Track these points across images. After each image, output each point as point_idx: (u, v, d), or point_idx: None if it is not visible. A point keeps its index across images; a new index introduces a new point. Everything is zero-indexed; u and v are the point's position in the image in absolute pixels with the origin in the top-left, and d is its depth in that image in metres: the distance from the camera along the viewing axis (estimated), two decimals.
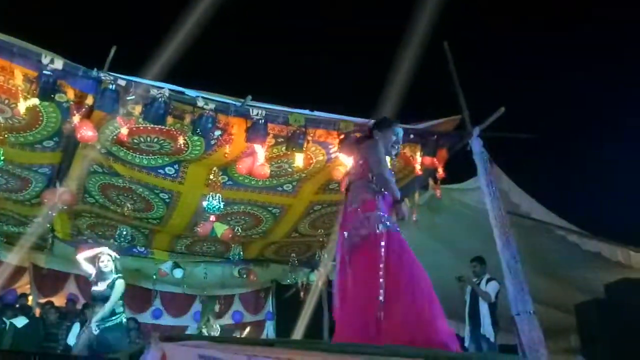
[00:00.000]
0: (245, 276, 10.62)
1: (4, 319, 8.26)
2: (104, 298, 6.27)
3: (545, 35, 12.11)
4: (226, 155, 6.63)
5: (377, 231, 3.56)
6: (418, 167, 6.91)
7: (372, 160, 3.83)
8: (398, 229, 3.69)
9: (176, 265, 10.70)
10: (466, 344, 6.96)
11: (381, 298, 3.35)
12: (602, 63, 11.30)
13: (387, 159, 4.05)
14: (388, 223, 3.63)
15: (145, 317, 11.13)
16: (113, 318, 6.22)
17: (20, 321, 8.27)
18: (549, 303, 7.95)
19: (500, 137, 7.00)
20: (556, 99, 11.71)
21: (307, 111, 6.52)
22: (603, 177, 10.15)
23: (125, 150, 6.97)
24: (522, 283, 6.02)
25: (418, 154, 6.93)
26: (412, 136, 6.84)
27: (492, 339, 6.65)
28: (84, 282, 10.45)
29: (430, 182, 7.27)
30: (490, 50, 11.95)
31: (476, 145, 6.74)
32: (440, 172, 6.91)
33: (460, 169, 7.30)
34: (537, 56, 12.25)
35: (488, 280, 6.91)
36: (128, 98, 5.73)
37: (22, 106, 5.51)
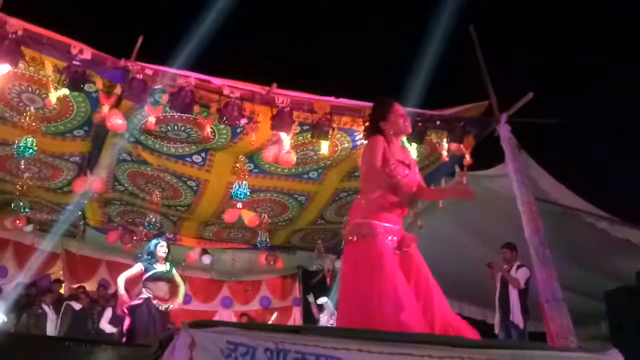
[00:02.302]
0: (272, 263, 10.69)
1: (42, 305, 8.53)
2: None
3: (575, 18, 11.85)
4: (252, 143, 6.67)
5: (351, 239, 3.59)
6: (445, 153, 6.86)
7: (364, 162, 3.72)
8: (373, 236, 3.51)
9: (205, 252, 10.84)
10: (496, 331, 6.92)
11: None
12: (633, 45, 11.02)
13: (404, 140, 3.88)
14: (361, 233, 3.53)
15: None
16: None
17: (77, 305, 8.66)
18: (579, 290, 7.86)
19: (529, 122, 6.90)
20: (586, 83, 11.46)
21: (332, 98, 6.51)
22: (634, 163, 9.93)
23: (153, 139, 7.07)
24: (550, 270, 5.97)
25: (445, 140, 6.88)
26: (438, 122, 6.79)
27: (521, 326, 6.58)
28: (115, 268, 10.69)
29: (457, 168, 7.21)
30: (518, 35, 11.72)
31: (504, 131, 6.66)
32: (468, 158, 6.85)
33: (487, 155, 7.23)
34: (567, 40, 11.98)
35: (518, 267, 6.83)
36: (155, 87, 5.80)
37: (53, 96, 5.63)
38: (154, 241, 7.07)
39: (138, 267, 6.72)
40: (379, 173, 3.56)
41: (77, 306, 8.64)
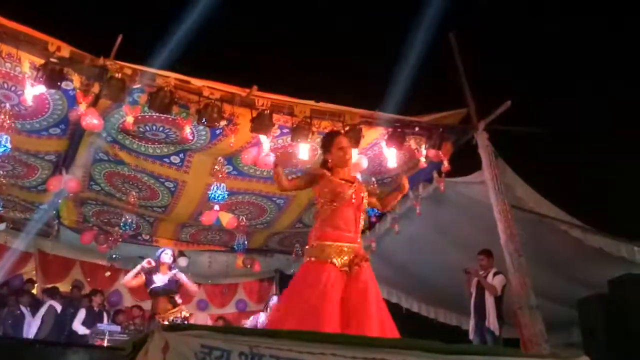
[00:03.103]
0: (249, 266, 10.65)
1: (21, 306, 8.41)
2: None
3: (554, 25, 12.02)
4: (231, 145, 6.64)
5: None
6: (423, 159, 6.92)
7: None
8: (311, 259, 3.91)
9: (181, 254, 10.74)
10: (470, 337, 6.98)
11: None
12: (612, 54, 11.22)
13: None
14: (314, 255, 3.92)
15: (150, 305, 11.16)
16: None
17: (58, 306, 8.54)
18: (552, 297, 7.95)
19: (506, 130, 7.00)
20: (564, 93, 11.63)
21: (312, 102, 6.52)
22: (609, 172, 10.10)
23: (130, 139, 7.00)
24: (524, 277, 6.05)
25: (423, 146, 6.94)
26: (417, 129, 6.85)
27: (497, 333, 6.65)
28: (89, 268, 10.55)
29: (435, 175, 7.28)
30: (496, 43, 11.86)
31: (481, 138, 6.74)
32: (446, 165, 6.91)
33: (465, 162, 7.29)
34: (545, 48, 12.15)
35: (495, 274, 6.91)
36: (134, 87, 5.74)
37: (29, 93, 5.53)
38: (160, 249, 7.18)
39: (137, 268, 6.79)
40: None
41: (59, 308, 8.50)
